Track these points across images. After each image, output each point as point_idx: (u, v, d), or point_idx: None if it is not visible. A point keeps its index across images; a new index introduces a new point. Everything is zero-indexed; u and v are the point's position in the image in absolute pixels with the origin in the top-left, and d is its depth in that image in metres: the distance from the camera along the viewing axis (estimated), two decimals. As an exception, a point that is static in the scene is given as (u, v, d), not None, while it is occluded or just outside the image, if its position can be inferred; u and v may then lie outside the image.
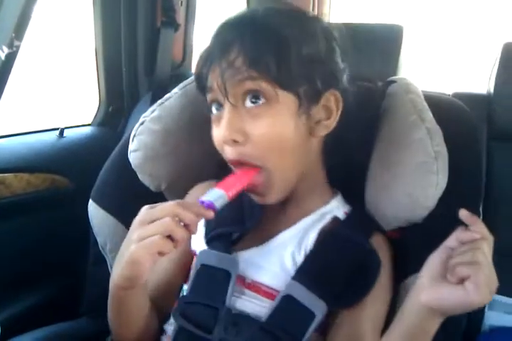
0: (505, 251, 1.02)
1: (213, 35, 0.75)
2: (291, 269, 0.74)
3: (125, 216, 0.94)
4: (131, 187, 0.96)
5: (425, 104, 0.85)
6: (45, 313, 1.10)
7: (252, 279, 0.76)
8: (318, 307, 0.70)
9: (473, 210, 0.85)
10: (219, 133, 0.73)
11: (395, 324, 0.66)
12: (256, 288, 0.75)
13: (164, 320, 0.81)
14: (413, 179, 0.79)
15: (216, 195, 0.68)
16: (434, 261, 0.63)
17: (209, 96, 0.75)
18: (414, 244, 0.81)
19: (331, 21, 1.81)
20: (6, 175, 1.16)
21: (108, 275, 0.96)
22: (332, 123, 0.75)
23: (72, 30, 1.93)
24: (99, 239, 0.98)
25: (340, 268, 0.73)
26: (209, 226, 0.82)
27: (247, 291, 0.76)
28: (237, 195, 0.70)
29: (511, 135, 1.12)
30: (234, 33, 0.71)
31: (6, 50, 1.05)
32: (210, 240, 0.80)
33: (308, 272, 0.73)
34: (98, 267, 1.00)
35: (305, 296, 0.71)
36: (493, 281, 0.58)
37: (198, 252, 0.81)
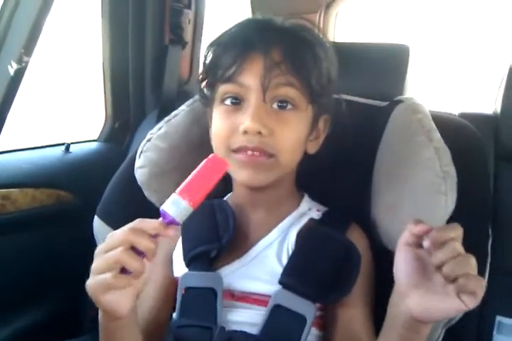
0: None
1: (241, 26, 0.78)
2: (280, 271, 0.75)
3: (130, 233, 0.94)
4: (137, 204, 0.96)
5: (433, 124, 0.85)
6: (48, 331, 1.09)
7: (241, 291, 0.76)
8: (307, 310, 0.72)
9: (482, 231, 0.85)
10: (231, 122, 0.74)
11: (384, 335, 0.65)
12: (246, 298, 0.76)
13: None
14: (421, 199, 0.79)
15: (178, 207, 0.61)
16: (405, 266, 0.59)
17: (227, 88, 0.75)
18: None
19: (335, 40, 1.83)
20: (11, 190, 1.15)
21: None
22: (320, 142, 0.83)
23: (80, 45, 1.95)
24: (103, 256, 0.97)
25: (323, 266, 0.74)
26: (186, 247, 0.81)
27: (237, 304, 0.76)
28: (203, 201, 0.63)
29: (518, 155, 1.12)
30: (274, 33, 0.75)
31: (14, 65, 1.06)
32: (189, 262, 0.80)
33: (292, 275, 0.74)
34: (102, 284, 0.99)
35: (293, 302, 0.72)
36: (483, 282, 0.54)
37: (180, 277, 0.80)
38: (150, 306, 0.81)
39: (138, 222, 0.60)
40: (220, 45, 0.78)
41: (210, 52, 0.79)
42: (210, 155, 0.65)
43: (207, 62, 0.80)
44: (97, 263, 0.59)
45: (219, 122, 0.77)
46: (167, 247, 0.85)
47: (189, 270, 0.79)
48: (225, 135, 0.75)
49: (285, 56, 0.73)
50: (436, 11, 2.15)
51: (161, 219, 0.61)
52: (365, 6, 1.95)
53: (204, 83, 0.83)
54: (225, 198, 0.88)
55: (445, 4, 2.11)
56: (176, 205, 0.61)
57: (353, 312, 0.75)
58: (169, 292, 0.82)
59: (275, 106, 0.74)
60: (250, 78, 0.73)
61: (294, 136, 0.75)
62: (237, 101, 0.75)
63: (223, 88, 0.76)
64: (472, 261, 0.54)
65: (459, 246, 0.55)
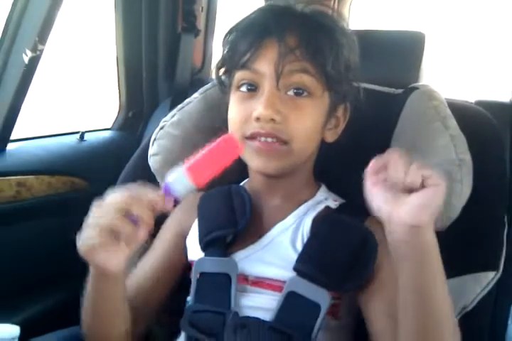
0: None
1: (260, 13, 0.78)
2: (294, 257, 0.74)
3: (144, 220, 0.94)
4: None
5: (449, 111, 0.84)
6: (59, 317, 1.09)
7: (255, 275, 0.76)
8: (322, 298, 0.71)
9: (498, 219, 0.84)
10: (246, 109, 0.74)
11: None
12: (260, 283, 0.76)
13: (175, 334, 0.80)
14: (436, 187, 0.78)
15: (183, 184, 0.60)
16: (376, 194, 0.60)
17: (243, 74, 0.75)
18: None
19: (350, 27, 1.81)
20: (27, 177, 1.17)
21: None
22: (339, 131, 0.82)
23: (94, 34, 1.96)
24: (117, 243, 0.98)
25: (339, 253, 0.73)
26: (202, 231, 0.82)
27: (251, 288, 0.76)
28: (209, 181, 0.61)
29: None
30: (292, 19, 0.74)
31: (29, 53, 1.07)
32: (205, 246, 0.80)
33: (307, 262, 0.73)
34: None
35: (308, 289, 0.71)
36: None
37: (195, 261, 0.81)
38: (146, 275, 0.82)
39: (138, 190, 0.60)
40: (238, 31, 0.77)
41: (228, 39, 0.79)
42: (226, 135, 0.63)
43: (225, 48, 0.79)
44: (91, 218, 0.61)
45: (234, 108, 0.77)
46: (176, 230, 0.86)
47: (205, 254, 0.80)
48: (240, 121, 0.75)
49: (300, 42, 0.72)
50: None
51: (162, 191, 0.60)
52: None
53: (222, 70, 0.82)
54: (241, 184, 0.88)
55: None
56: (182, 182, 0.60)
57: (370, 300, 0.72)
58: (168, 274, 0.83)
59: (291, 92, 0.73)
60: (265, 64, 0.72)
61: (308, 123, 0.74)
62: (253, 88, 0.74)
63: (239, 75, 0.75)
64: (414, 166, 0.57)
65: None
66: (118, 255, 0.62)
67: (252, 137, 0.74)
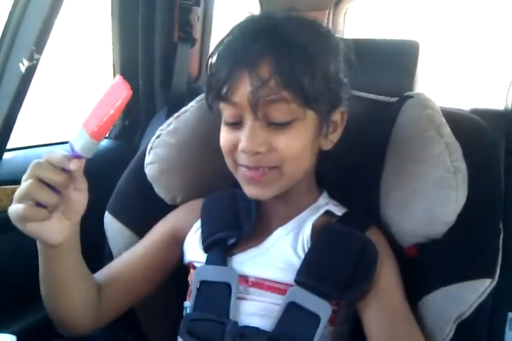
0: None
1: (232, 38, 0.74)
2: (295, 261, 0.76)
3: (140, 228, 0.94)
4: (147, 200, 0.97)
5: (443, 119, 0.85)
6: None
7: (255, 277, 0.77)
8: (322, 309, 0.71)
9: (494, 226, 0.84)
10: (232, 138, 0.74)
11: None
12: (260, 284, 0.76)
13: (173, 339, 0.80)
14: (432, 194, 0.79)
15: (83, 141, 0.61)
16: None
17: (228, 108, 0.74)
18: (433, 261, 0.79)
19: (345, 37, 1.83)
20: (22, 186, 1.16)
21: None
22: (336, 137, 0.80)
23: (91, 43, 1.97)
24: (114, 251, 0.98)
25: (340, 263, 0.74)
26: (205, 232, 0.83)
27: (251, 290, 0.77)
28: (110, 129, 0.62)
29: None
30: (262, 44, 0.70)
31: (26, 63, 1.07)
32: (207, 247, 0.81)
33: (308, 273, 0.74)
34: (112, 279, 1.00)
35: (308, 301, 0.72)
36: None
37: (194, 262, 0.83)
38: (116, 272, 0.84)
39: (45, 156, 0.61)
40: (216, 58, 0.75)
41: (210, 63, 0.77)
42: (114, 80, 0.61)
43: (209, 72, 0.77)
44: (17, 190, 0.61)
45: (223, 137, 0.77)
46: (172, 231, 0.87)
47: (207, 256, 0.80)
48: (229, 150, 0.75)
49: (273, 71, 0.68)
50: (447, 7, 2.14)
51: (70, 151, 0.61)
52: (376, 2, 1.95)
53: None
54: None
55: (456, 1, 2.10)
56: (81, 138, 0.61)
57: (370, 308, 0.73)
58: (148, 270, 0.84)
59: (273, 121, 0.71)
60: (241, 97, 0.70)
61: (296, 146, 0.73)
62: (236, 121, 0.73)
63: (222, 106, 0.75)
64: None
65: None
66: (53, 226, 0.62)
67: (242, 165, 0.74)
